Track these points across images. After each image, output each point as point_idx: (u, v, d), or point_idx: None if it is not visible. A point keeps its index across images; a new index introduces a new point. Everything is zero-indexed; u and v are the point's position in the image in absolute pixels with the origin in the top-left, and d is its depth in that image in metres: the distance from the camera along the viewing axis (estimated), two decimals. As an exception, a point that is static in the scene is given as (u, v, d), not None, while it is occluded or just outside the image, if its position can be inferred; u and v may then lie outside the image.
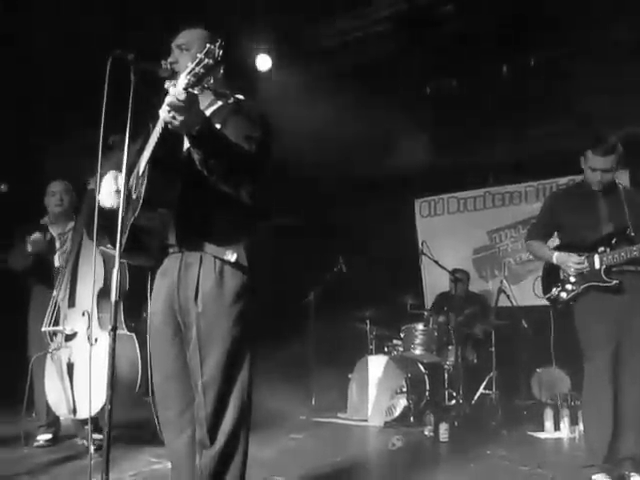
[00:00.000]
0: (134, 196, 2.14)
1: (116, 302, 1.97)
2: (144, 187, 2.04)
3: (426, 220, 7.56)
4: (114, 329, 1.93)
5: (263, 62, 6.10)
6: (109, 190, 2.21)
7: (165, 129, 1.88)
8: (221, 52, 1.68)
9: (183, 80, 1.72)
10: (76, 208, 4.22)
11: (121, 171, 2.09)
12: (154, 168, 2.05)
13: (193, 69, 1.70)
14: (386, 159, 6.48)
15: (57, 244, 4.17)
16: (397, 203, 7.01)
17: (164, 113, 1.80)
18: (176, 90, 1.73)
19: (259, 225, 2.26)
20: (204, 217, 2.13)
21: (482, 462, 3.81)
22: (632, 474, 3.05)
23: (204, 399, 2.08)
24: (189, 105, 1.76)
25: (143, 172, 2.10)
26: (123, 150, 1.99)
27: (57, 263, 4.11)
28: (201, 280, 2.11)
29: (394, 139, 6.45)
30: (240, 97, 2.26)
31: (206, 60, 1.68)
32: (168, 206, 2.12)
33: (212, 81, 2.10)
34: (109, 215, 2.12)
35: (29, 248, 4.01)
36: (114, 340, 1.91)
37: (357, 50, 5.76)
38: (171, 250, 2.21)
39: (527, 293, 6.28)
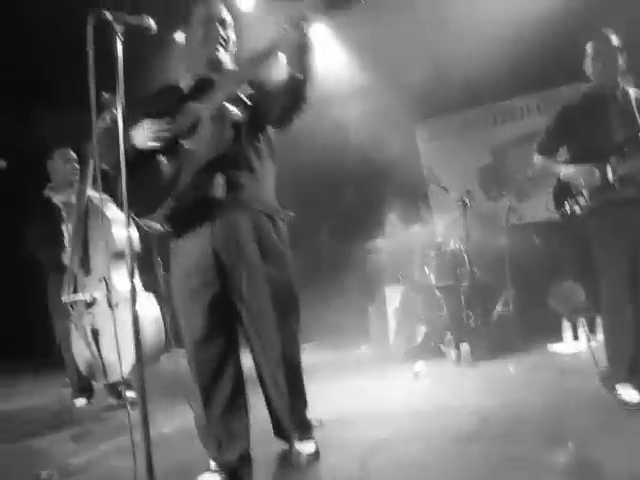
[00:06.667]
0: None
1: (131, 255, 2.00)
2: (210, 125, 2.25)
3: (428, 145, 7.42)
4: (133, 286, 1.96)
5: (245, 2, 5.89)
6: (146, 134, 2.32)
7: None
8: None
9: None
10: (81, 173, 4.12)
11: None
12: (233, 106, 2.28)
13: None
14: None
15: (63, 214, 4.15)
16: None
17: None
18: None
19: None
20: (249, 170, 2.36)
21: (504, 378, 3.93)
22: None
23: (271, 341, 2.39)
24: None
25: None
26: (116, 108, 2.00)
27: (66, 233, 4.08)
28: (259, 228, 2.33)
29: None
30: None
31: None
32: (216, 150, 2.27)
33: None
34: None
35: None
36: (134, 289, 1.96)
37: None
38: (216, 203, 2.29)
39: (536, 209, 6.24)
